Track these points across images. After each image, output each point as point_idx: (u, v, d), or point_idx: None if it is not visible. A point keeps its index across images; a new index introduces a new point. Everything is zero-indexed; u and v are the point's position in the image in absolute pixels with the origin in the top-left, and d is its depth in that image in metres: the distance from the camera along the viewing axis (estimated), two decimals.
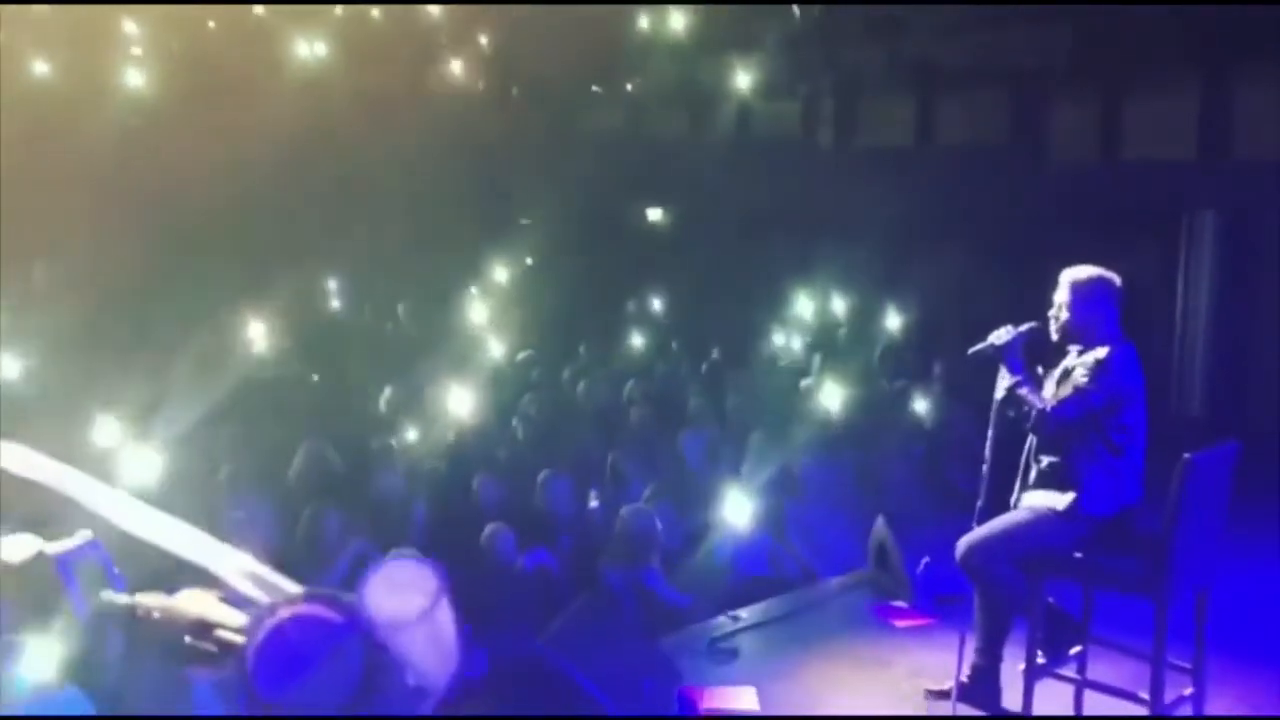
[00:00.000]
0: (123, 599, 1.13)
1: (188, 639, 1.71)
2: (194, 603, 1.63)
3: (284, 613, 1.71)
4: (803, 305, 10.84)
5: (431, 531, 6.20)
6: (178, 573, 1.98)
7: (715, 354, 10.79)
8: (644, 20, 13.62)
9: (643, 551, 6.10)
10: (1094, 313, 4.48)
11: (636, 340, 10.94)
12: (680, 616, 5.88)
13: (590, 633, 4.97)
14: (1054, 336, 4.56)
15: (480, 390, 8.91)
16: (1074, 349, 4.54)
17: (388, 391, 8.72)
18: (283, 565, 5.03)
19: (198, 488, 5.95)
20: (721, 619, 5.83)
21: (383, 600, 1.78)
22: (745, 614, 5.91)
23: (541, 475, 6.69)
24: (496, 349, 10.32)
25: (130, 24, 15.98)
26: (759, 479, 7.14)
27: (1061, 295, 4.53)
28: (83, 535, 1.16)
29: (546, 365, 10.28)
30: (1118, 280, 4.53)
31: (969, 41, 11.67)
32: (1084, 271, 4.54)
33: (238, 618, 1.87)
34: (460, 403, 7.77)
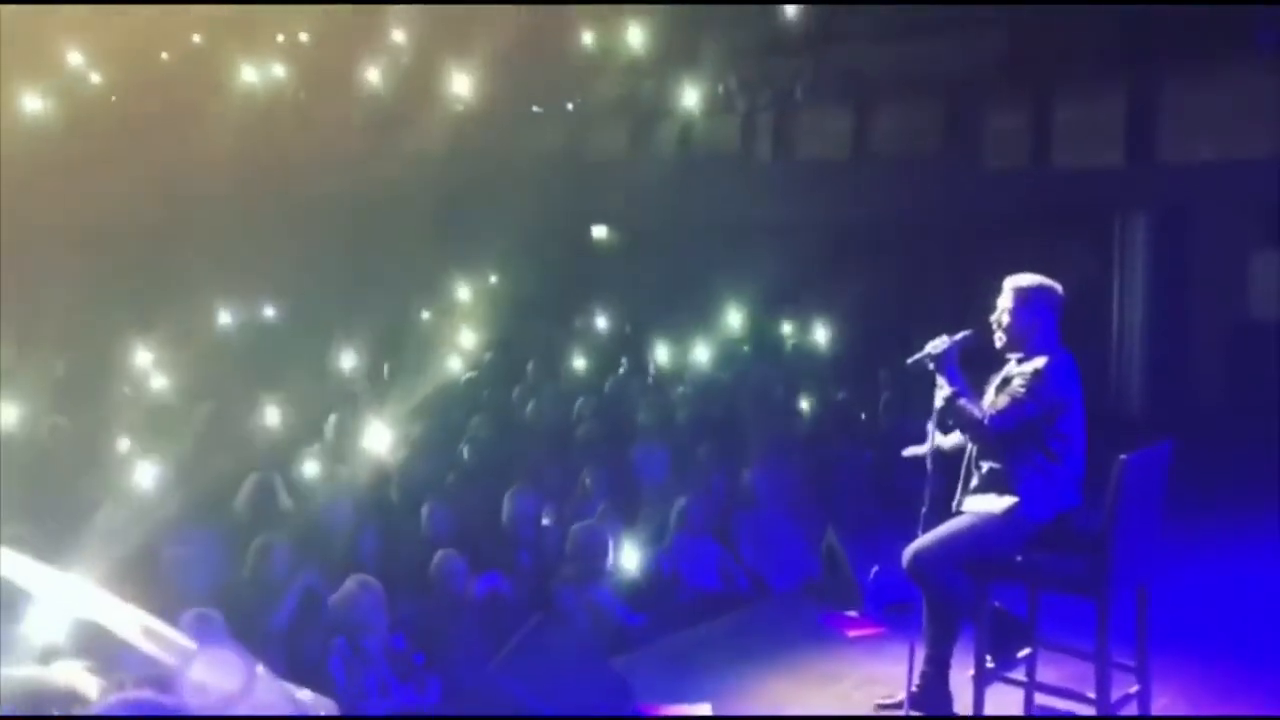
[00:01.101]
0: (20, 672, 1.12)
1: (55, 711, 1.80)
2: (61, 674, 1.68)
3: (121, 695, 1.78)
4: (747, 317, 10.92)
5: (381, 560, 6.14)
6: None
7: (658, 368, 10.83)
8: (585, 39, 13.69)
9: (594, 569, 6.09)
10: (1034, 319, 4.56)
11: (584, 357, 10.95)
12: (633, 635, 5.87)
13: (543, 655, 4.96)
14: (997, 342, 4.63)
15: (430, 412, 8.87)
16: (1014, 356, 4.61)
17: (333, 419, 8.64)
18: (230, 600, 5.00)
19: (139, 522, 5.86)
20: (676, 636, 5.83)
21: (203, 684, 1.88)
22: (698, 630, 5.92)
23: (510, 491, 6.66)
24: (444, 370, 10.28)
25: (75, 54, 15.80)
26: (708, 490, 7.16)
27: (1004, 301, 4.61)
28: None
29: (495, 385, 10.25)
30: (1060, 289, 4.62)
31: (900, 51, 11.84)
32: (1027, 279, 4.62)
33: (97, 687, 1.92)
34: (379, 439, 7.61)
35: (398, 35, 16.01)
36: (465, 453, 8.28)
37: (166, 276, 12.68)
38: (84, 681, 2.02)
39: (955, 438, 4.73)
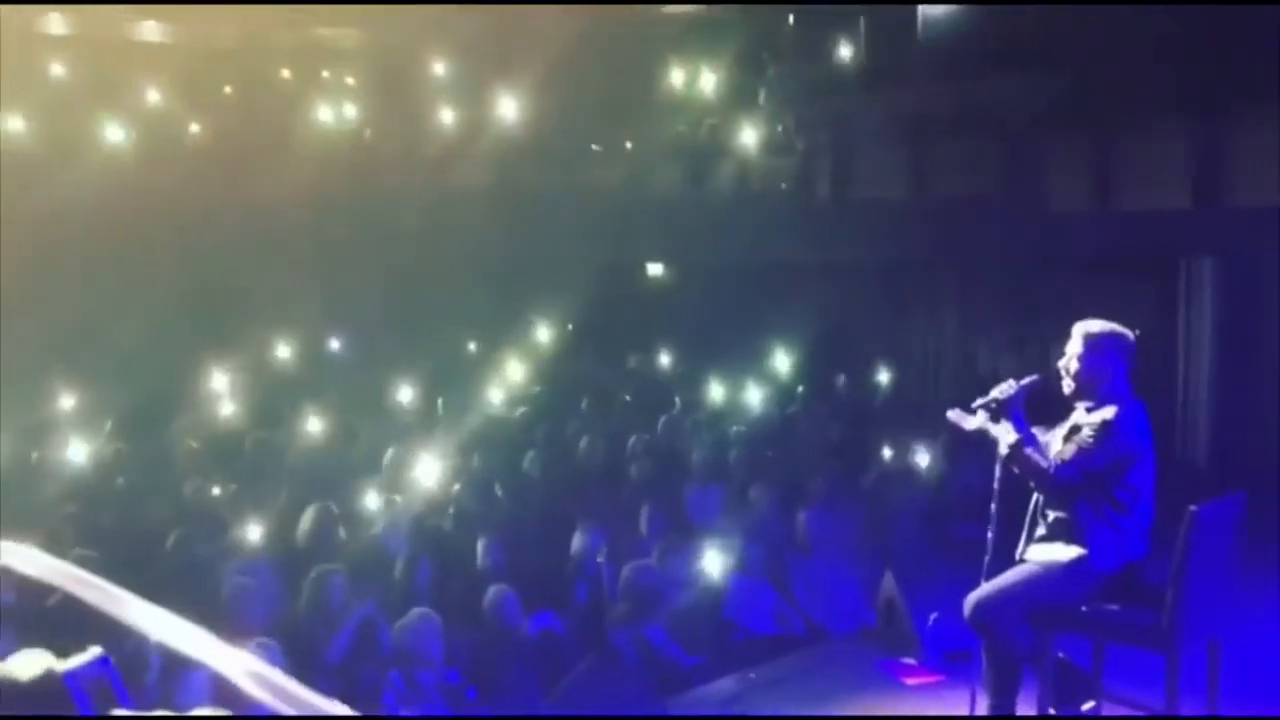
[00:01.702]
0: (133, 716, 1.12)
1: None
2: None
3: None
4: (805, 358, 10.87)
5: (436, 593, 6.16)
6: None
7: (712, 407, 10.80)
8: (645, 78, 13.80)
9: (647, 609, 6.06)
10: (1104, 366, 4.47)
11: (638, 395, 10.95)
12: (687, 676, 5.82)
13: (597, 695, 4.93)
14: (1064, 389, 4.55)
15: (484, 447, 8.91)
16: (1082, 404, 4.53)
17: (391, 452, 8.70)
18: (288, 630, 5.03)
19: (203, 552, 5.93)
20: (728, 680, 5.77)
21: None
22: (752, 674, 5.86)
23: (581, 526, 6.67)
24: (499, 405, 10.32)
25: (153, 91, 16.24)
26: (762, 534, 7.11)
27: (1073, 347, 4.54)
28: (92, 652, 1.15)
29: (548, 421, 10.27)
30: (1131, 336, 4.53)
31: (960, 90, 11.79)
32: (1097, 325, 4.54)
33: None
34: (428, 473, 7.67)
35: (459, 72, 16.26)
36: (519, 488, 8.30)
37: (234, 307, 12.89)
38: None
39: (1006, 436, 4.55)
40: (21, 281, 12.12)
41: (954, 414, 4.71)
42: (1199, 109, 10.23)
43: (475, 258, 14.01)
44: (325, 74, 17.16)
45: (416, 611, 5.35)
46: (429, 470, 7.59)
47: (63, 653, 1.54)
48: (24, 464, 8.22)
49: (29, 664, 1.20)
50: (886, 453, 8.89)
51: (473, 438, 9.03)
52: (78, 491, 7.47)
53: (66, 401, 9.89)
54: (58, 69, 16.24)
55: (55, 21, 16.01)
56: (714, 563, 6.43)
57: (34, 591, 4.75)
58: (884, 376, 10.28)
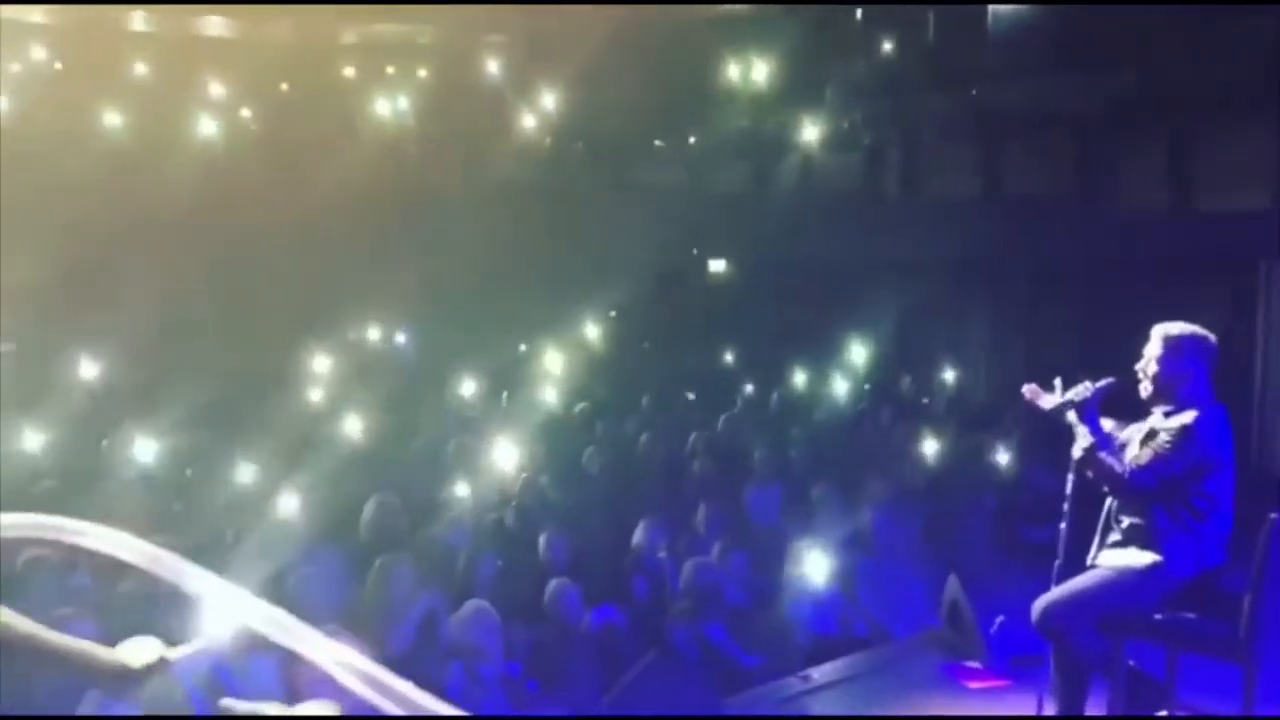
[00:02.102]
0: (243, 706, 1.12)
1: None
2: (316, 714, 1.62)
3: None
4: (867, 357, 10.76)
5: (498, 585, 6.18)
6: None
7: (774, 404, 10.73)
8: (708, 74, 13.76)
9: (709, 607, 6.03)
10: (1184, 370, 4.35)
11: (699, 392, 10.92)
12: (748, 675, 5.79)
13: (656, 692, 4.92)
14: (1142, 391, 4.45)
15: (540, 443, 8.95)
16: (1160, 408, 4.42)
17: (453, 443, 8.77)
18: (352, 620, 5.08)
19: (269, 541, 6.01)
20: (790, 680, 5.72)
21: None
22: (815, 674, 5.80)
23: (644, 521, 6.67)
24: (559, 401, 10.36)
25: (215, 85, 16.54)
26: (830, 535, 7.04)
27: (1152, 349, 4.42)
28: (201, 640, 1.16)
29: (609, 417, 10.29)
30: (1213, 339, 4.41)
31: (1033, 87, 11.60)
32: (1177, 327, 4.43)
33: None
34: (506, 458, 7.75)
35: (521, 71, 16.35)
36: (579, 482, 8.32)
37: (299, 303, 13.06)
38: None
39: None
40: (104, 274, 12.41)
41: (1030, 389, 4.60)
42: (1279, 107, 9.97)
43: (537, 255, 14.08)
44: (390, 70, 17.36)
45: (471, 604, 5.35)
46: (506, 455, 7.66)
47: (167, 640, 1.55)
48: (96, 452, 8.40)
49: (141, 650, 1.21)
50: (951, 453, 8.78)
51: (535, 432, 9.07)
52: (148, 480, 7.61)
53: (140, 392, 10.08)
54: (141, 67, 16.63)
55: (138, 19, 16.39)
56: (817, 569, 6.36)
57: (113, 571, 4.84)
58: (949, 376, 10.13)
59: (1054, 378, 4.56)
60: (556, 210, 14.25)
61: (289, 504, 6.78)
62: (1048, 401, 4.50)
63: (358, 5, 15.81)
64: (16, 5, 14.55)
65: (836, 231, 12.19)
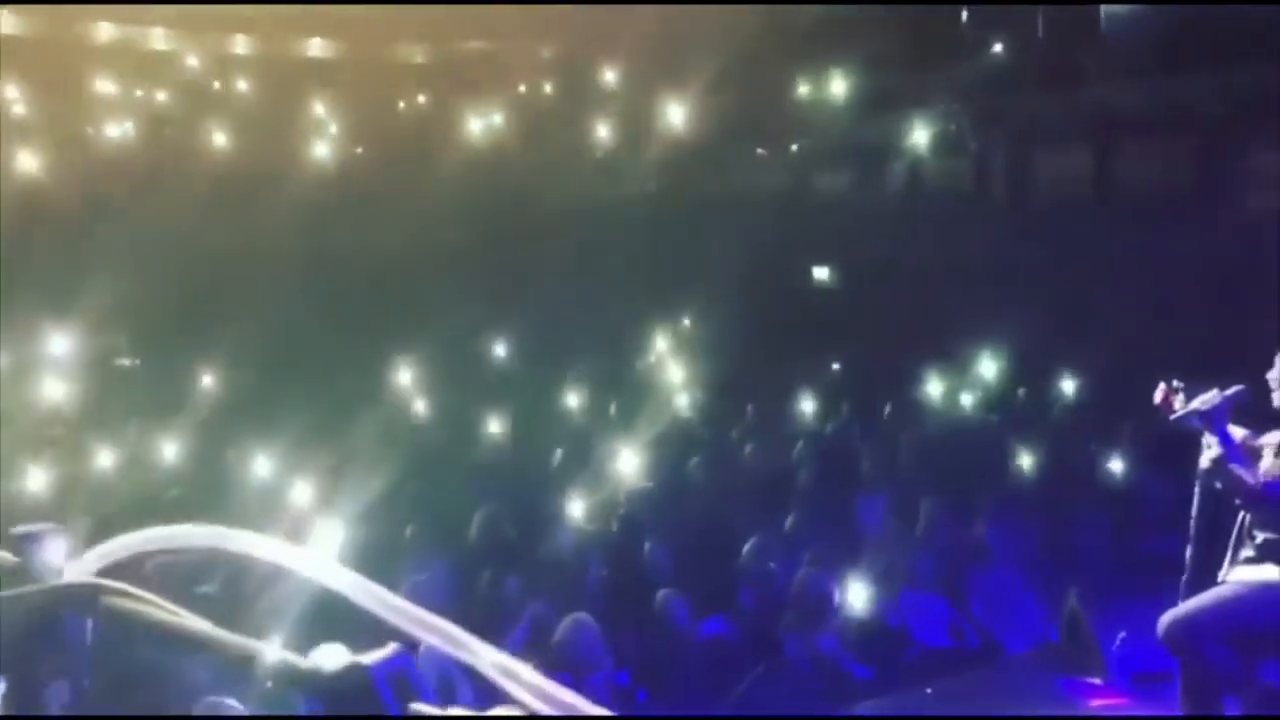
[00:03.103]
0: (434, 712, 1.15)
1: None
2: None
3: None
4: (979, 363, 10.54)
5: (606, 595, 6.21)
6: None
7: (886, 414, 10.57)
8: (810, 80, 13.68)
9: (820, 617, 5.96)
10: None
11: (805, 401, 10.81)
12: (861, 687, 5.71)
13: (770, 703, 4.88)
14: (1275, 401, 4.28)
15: (649, 452, 8.96)
16: None
17: (559, 453, 8.84)
18: (463, 627, 5.15)
19: (382, 551, 6.12)
20: (903, 693, 5.63)
21: None
22: (932, 688, 5.70)
23: (752, 542, 6.66)
24: (667, 410, 10.36)
25: (319, 105, 17.04)
26: (941, 545, 6.92)
27: None
28: (393, 647, 1.19)
29: (714, 426, 10.25)
30: None
31: (1147, 89, 11.27)
32: None
33: None
34: (628, 465, 7.82)
35: (623, 75, 16.46)
36: (685, 492, 8.31)
37: (404, 313, 13.30)
38: None
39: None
40: (221, 292, 12.81)
41: (1161, 393, 4.41)
42: None
43: (642, 264, 14.12)
44: (521, 85, 17.58)
45: (570, 619, 5.38)
46: (614, 466, 7.72)
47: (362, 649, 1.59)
48: (219, 465, 8.66)
49: (333, 656, 1.24)
50: (1067, 463, 8.54)
51: (641, 442, 9.08)
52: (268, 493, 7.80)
53: (257, 407, 10.35)
54: (243, 87, 17.21)
55: (219, 41, 17.00)
56: (858, 599, 6.27)
57: (238, 579, 4.97)
58: (1067, 384, 9.86)
59: (1177, 386, 4.40)
60: (661, 219, 14.29)
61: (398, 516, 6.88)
62: (1175, 409, 4.35)
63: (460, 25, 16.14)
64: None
65: (943, 237, 11.98)
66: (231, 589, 5.42)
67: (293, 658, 1.18)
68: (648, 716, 4.93)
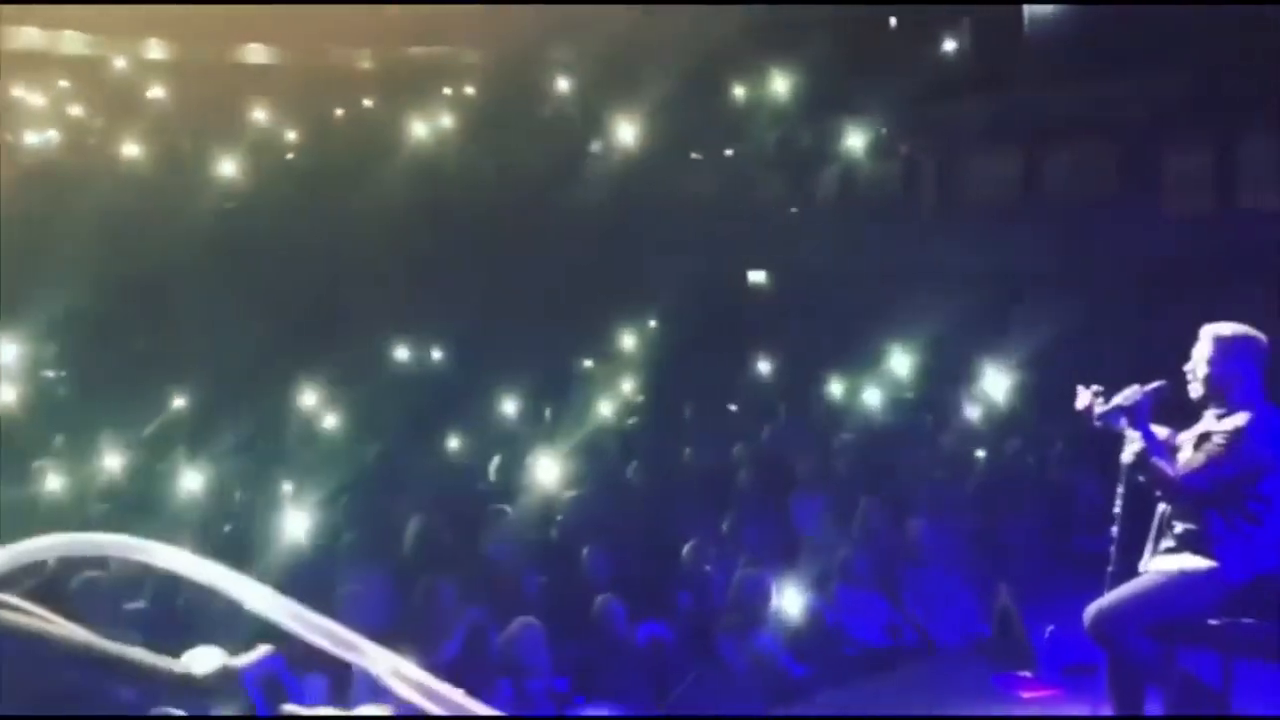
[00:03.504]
0: (305, 713, 1.13)
1: None
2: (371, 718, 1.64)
3: None
4: (911, 366, 10.70)
5: (545, 601, 6.19)
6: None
7: (821, 415, 10.68)
8: (744, 86, 13.78)
9: (757, 618, 6.01)
10: (1235, 371, 4.29)
11: (742, 404, 10.89)
12: (798, 686, 5.76)
13: (707, 705, 4.91)
14: (1192, 393, 4.39)
15: (587, 457, 8.96)
16: (1212, 411, 4.36)
17: (496, 460, 8.81)
18: (398, 639, 5.11)
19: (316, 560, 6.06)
20: (842, 690, 5.69)
21: None
22: (867, 685, 5.76)
23: (690, 544, 6.68)
24: (602, 415, 10.36)
25: (258, 111, 16.83)
26: (877, 545, 7.01)
27: (1202, 350, 4.36)
28: (264, 649, 1.17)
29: (653, 430, 10.28)
30: (1263, 339, 4.34)
31: (1072, 94, 11.52)
32: (1228, 328, 4.37)
33: None
34: (566, 470, 7.79)
35: (559, 84, 16.47)
36: (623, 496, 8.32)
37: (334, 321, 13.18)
38: None
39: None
40: (152, 300, 12.58)
41: (1081, 399, 4.51)
42: None
43: (580, 268, 14.12)
44: (427, 91, 17.53)
45: (519, 621, 5.38)
46: (549, 471, 7.70)
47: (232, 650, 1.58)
48: (149, 478, 8.51)
49: (204, 659, 1.22)
50: (998, 462, 8.69)
51: (577, 447, 9.08)
52: (196, 504, 7.69)
53: (182, 416, 10.20)
54: (160, 93, 16.93)
55: (154, 47, 16.74)
56: (818, 572, 6.34)
57: (168, 593, 4.90)
58: (994, 385, 10.04)
59: (1102, 385, 4.50)
60: (596, 225, 14.30)
61: (335, 524, 6.84)
62: (1097, 408, 4.45)
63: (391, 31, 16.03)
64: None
65: (874, 241, 12.14)
66: (161, 604, 5.34)
67: (166, 663, 1.16)
68: (547, 717, 4.93)
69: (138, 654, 1.13)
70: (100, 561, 5.00)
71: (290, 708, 1.20)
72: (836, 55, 13.28)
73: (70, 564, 5.22)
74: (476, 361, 13.17)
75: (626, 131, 14.42)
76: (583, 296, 13.61)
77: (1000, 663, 6.08)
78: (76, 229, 12.54)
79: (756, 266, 14.62)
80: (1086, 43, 11.55)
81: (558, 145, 15.61)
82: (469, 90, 17.31)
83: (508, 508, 7.48)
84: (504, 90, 16.18)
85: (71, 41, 17.43)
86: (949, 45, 13.07)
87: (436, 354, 13.62)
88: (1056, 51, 11.79)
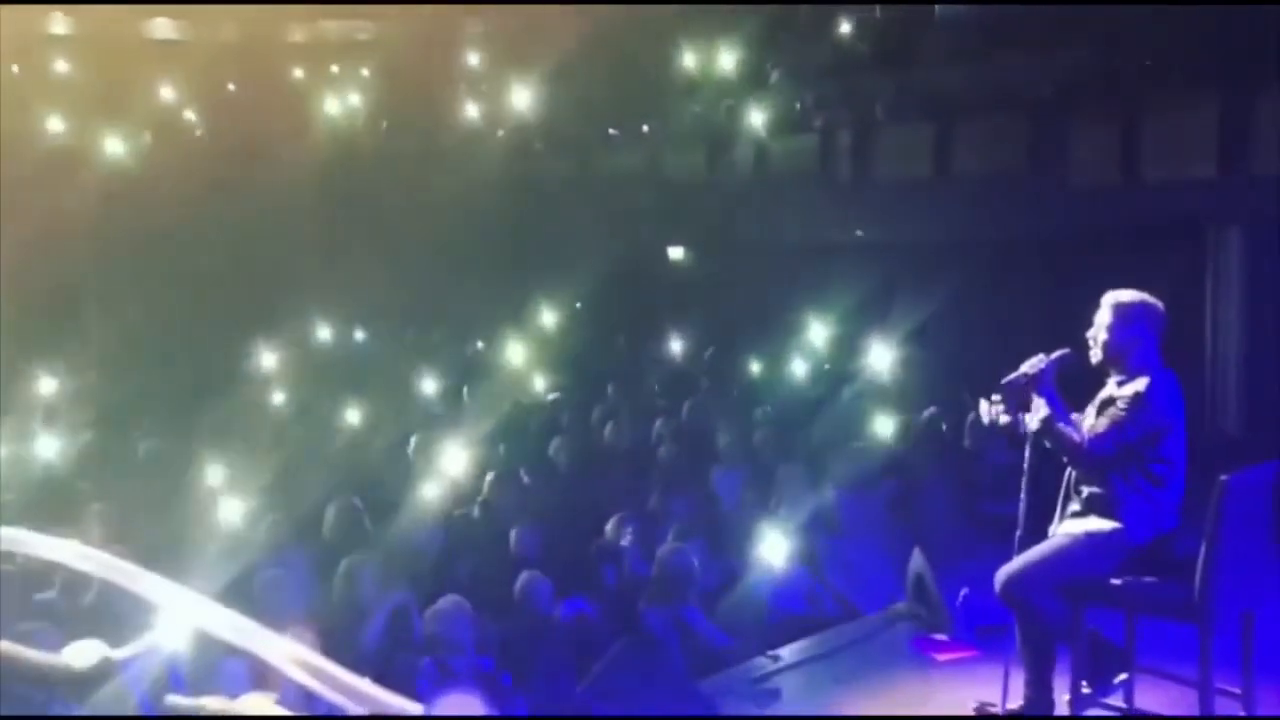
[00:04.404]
0: (187, 702, 1.13)
1: None
2: (254, 706, 1.62)
3: None
4: (826, 338, 10.85)
5: (468, 580, 6.19)
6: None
7: (740, 389, 10.79)
8: (658, 60, 13.77)
9: (682, 590, 6.08)
10: (1134, 337, 4.43)
11: (663, 379, 10.95)
12: (720, 657, 5.84)
13: (631, 677, 4.96)
14: (1093, 358, 4.53)
15: (509, 435, 8.95)
16: (1113, 378, 4.50)
17: (415, 439, 8.76)
18: (321, 621, 5.07)
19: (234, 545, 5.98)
20: (761, 659, 5.78)
21: None
22: (785, 653, 5.86)
23: (614, 519, 6.70)
24: (526, 392, 10.35)
25: (165, 88, 16.39)
26: (794, 515, 7.11)
27: (1103, 316, 4.50)
28: (146, 640, 1.16)
29: (575, 407, 10.30)
30: (1161, 306, 4.49)
31: (981, 68, 11.71)
32: (1127, 294, 4.50)
33: None
34: (454, 461, 7.72)
35: (473, 59, 16.30)
36: (546, 474, 8.33)
37: (254, 301, 12.97)
38: (276, 715, 1.91)
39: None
40: (55, 283, 12.24)
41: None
42: (1224, 77, 10.10)
43: (495, 247, 14.05)
44: (341, 67, 17.27)
45: (447, 599, 5.38)
46: (455, 459, 7.64)
47: (115, 644, 1.55)
48: (54, 466, 8.31)
49: (85, 653, 1.21)
50: (910, 431, 8.87)
51: (499, 426, 9.06)
52: (104, 488, 7.54)
53: (97, 399, 9.98)
54: (67, 68, 16.39)
55: (59, 21, 16.19)
56: (775, 550, 6.41)
57: (78, 585, 4.81)
58: (908, 355, 10.22)
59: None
60: (514, 202, 14.22)
61: (253, 507, 6.75)
62: (998, 419, 4.58)
63: (312, 4, 15.70)
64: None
65: (792, 215, 12.24)
66: (72, 595, 5.23)
67: (48, 658, 1.16)
68: (433, 716, 4.94)
69: (29, 652, 1.12)
70: (7, 554, 4.89)
71: (173, 699, 1.20)
72: (753, 30, 13.33)
73: None
74: (397, 341, 13.06)
75: (546, 107, 14.34)
76: (504, 274, 13.55)
77: (916, 626, 6.22)
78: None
79: (676, 242, 14.67)
80: (993, 16, 11.74)
81: (473, 125, 15.47)
82: (376, 68, 17.05)
83: (429, 489, 7.45)
84: (414, 69, 15.97)
85: None
86: (862, 19, 13.19)
87: (358, 333, 13.49)
88: (964, 25, 11.97)
